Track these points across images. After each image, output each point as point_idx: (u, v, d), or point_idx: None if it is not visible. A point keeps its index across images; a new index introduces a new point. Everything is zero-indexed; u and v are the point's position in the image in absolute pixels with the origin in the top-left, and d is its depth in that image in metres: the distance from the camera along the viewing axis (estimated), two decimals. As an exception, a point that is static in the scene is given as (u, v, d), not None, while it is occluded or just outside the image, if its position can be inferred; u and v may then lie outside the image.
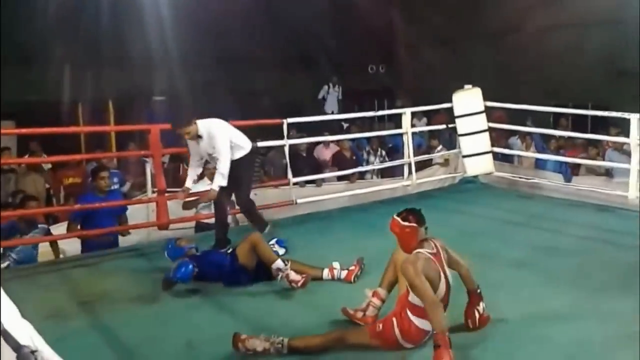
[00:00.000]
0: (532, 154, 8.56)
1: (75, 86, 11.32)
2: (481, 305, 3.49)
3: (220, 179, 5.01)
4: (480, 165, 7.69)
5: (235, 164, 5.10)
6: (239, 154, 5.19)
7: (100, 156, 8.76)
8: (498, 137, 9.23)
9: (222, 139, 5.05)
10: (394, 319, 3.23)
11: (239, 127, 10.14)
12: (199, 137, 5.10)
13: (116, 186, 7.63)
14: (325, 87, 11.77)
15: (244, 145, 5.23)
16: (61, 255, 5.31)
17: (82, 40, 10.84)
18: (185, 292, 4.39)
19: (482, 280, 4.27)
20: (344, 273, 4.41)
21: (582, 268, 4.56)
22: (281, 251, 5.11)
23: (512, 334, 3.45)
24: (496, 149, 7.92)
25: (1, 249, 5.26)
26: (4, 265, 5.14)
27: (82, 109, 12.10)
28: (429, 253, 3.24)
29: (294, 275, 4.22)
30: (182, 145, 8.98)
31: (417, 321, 3.19)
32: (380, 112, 8.69)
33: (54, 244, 5.93)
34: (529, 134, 9.00)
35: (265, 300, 4.17)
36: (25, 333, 0.82)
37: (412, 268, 3.10)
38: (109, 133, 11.38)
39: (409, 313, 3.20)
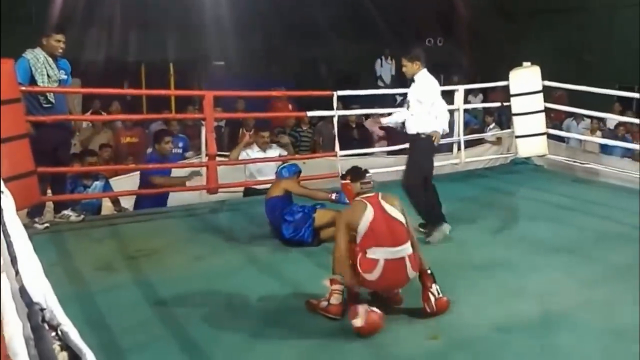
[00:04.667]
0: (585, 137, 8.26)
1: (139, 48, 11.66)
2: (434, 287, 3.46)
3: (443, 124, 4.88)
4: (533, 147, 7.45)
5: (416, 137, 4.87)
6: (427, 130, 4.84)
7: (156, 117, 9.01)
8: (557, 118, 8.99)
9: (431, 91, 4.86)
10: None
11: (291, 98, 10.20)
12: (412, 81, 4.92)
13: (179, 150, 7.90)
14: (379, 60, 11.65)
15: (434, 126, 4.86)
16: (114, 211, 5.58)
17: (147, 4, 11.12)
18: (231, 253, 4.60)
19: (526, 265, 4.32)
20: None
21: (634, 258, 4.41)
22: None
23: (553, 323, 3.39)
24: (551, 131, 7.68)
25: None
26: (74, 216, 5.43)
27: (145, 71, 12.49)
28: (364, 198, 3.60)
29: None
30: (236, 111, 9.25)
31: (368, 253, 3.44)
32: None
33: (114, 199, 6.23)
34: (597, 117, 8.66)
35: (305, 266, 4.32)
36: (40, 291, 0.93)
37: (338, 222, 3.63)
38: (168, 96, 11.70)
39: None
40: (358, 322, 3.17)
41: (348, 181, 3.82)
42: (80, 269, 4.18)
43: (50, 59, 5.15)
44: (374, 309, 3.24)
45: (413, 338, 3.17)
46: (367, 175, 3.78)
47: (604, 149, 8.31)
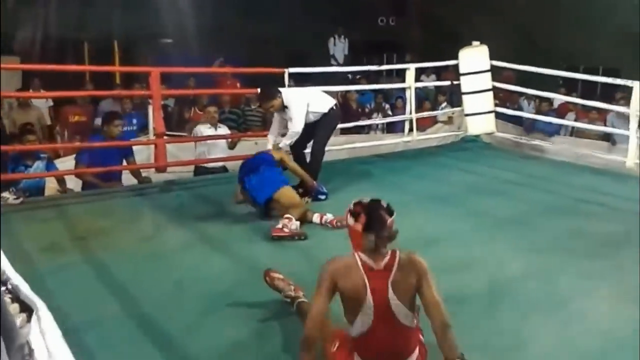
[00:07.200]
0: (530, 115, 8.47)
1: (81, 25, 11.26)
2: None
3: (284, 143, 5.30)
4: (481, 125, 7.66)
5: (311, 125, 5.37)
6: (315, 117, 5.40)
7: (103, 94, 8.73)
8: (507, 98, 9.17)
9: (297, 112, 5.24)
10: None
11: (241, 76, 10.12)
12: (285, 107, 5.28)
13: (133, 128, 7.69)
14: (332, 38, 11.63)
15: (322, 109, 5.41)
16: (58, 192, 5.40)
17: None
18: (182, 231, 4.51)
19: (475, 237, 4.43)
20: (330, 217, 4.59)
21: (573, 230, 4.59)
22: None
23: (500, 292, 3.47)
24: (499, 109, 7.88)
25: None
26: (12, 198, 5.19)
27: (89, 49, 12.10)
28: (367, 264, 2.38)
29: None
30: (184, 88, 9.07)
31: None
32: (384, 67, 8.59)
33: (60, 179, 5.99)
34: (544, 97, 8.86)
35: (258, 243, 4.29)
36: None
37: (319, 275, 2.44)
38: (113, 73, 11.38)
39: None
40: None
41: (359, 225, 2.40)
42: (26, 250, 4.02)
43: None
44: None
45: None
46: (389, 219, 2.43)
47: (550, 128, 8.54)
